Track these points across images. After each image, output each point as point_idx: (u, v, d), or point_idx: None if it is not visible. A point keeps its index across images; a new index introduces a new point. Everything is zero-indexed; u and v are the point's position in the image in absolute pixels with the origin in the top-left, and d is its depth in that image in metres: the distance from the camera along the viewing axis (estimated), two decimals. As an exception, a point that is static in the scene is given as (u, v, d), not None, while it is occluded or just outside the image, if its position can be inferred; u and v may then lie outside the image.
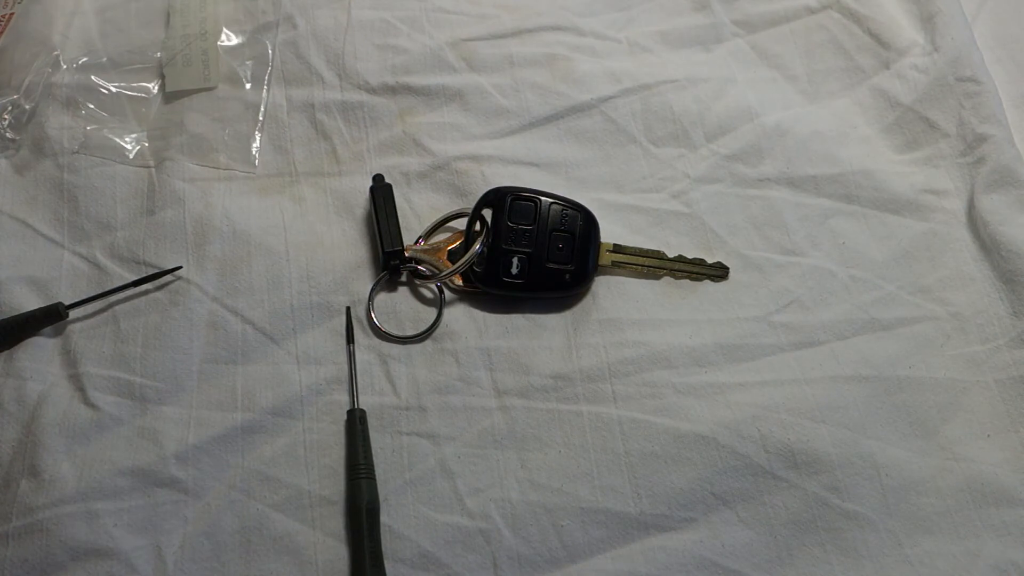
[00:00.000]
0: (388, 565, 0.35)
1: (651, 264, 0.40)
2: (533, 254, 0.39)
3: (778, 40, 0.48)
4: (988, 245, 0.41)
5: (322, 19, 0.48)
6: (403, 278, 0.41)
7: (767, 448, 0.36)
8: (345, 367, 0.39)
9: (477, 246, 0.40)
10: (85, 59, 0.47)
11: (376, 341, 0.39)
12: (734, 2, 0.49)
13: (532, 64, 0.42)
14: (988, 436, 0.37)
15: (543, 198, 0.40)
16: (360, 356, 0.39)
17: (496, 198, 0.40)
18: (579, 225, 0.40)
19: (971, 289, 0.40)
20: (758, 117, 0.45)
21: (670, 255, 0.40)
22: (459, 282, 0.40)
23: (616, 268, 0.40)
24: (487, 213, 0.41)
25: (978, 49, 0.45)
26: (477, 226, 0.41)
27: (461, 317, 0.40)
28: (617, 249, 0.40)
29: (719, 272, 0.39)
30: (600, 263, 0.40)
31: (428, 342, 0.39)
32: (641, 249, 0.40)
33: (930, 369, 0.38)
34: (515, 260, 0.39)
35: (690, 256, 0.41)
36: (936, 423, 0.37)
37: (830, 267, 0.41)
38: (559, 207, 0.40)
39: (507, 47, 0.41)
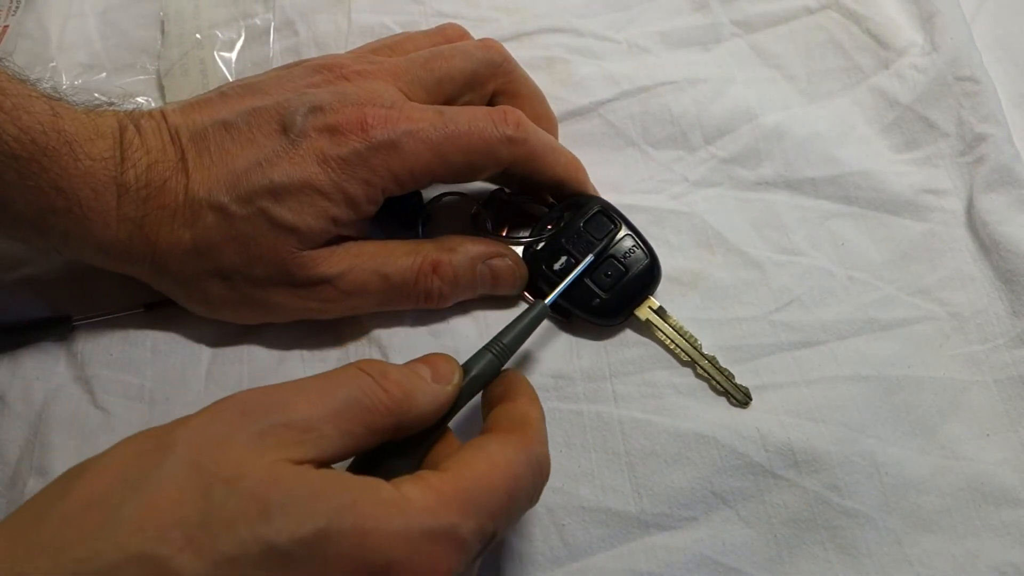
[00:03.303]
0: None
1: (682, 347, 0.38)
2: (581, 264, 0.39)
3: (777, 40, 0.48)
4: (987, 245, 0.41)
5: (323, 24, 0.48)
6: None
7: (767, 447, 0.36)
8: (346, 362, 0.38)
9: (543, 236, 0.40)
10: (84, 72, 0.47)
11: (376, 334, 0.39)
12: (733, 2, 0.49)
13: (531, 68, 0.42)
14: (988, 435, 0.37)
15: (624, 226, 0.40)
16: (359, 348, 0.39)
17: (585, 202, 0.40)
18: (638, 268, 0.39)
19: (970, 289, 0.40)
20: (757, 118, 0.45)
21: (701, 348, 0.39)
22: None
23: (648, 328, 0.39)
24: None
25: (977, 49, 0.45)
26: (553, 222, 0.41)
27: (462, 316, 0.40)
28: (660, 312, 0.39)
29: (740, 397, 0.37)
30: (636, 313, 0.39)
31: (429, 338, 0.39)
32: (682, 327, 0.39)
33: (929, 369, 0.39)
34: (563, 259, 0.39)
35: (693, 256, 0.41)
36: (936, 422, 0.37)
37: (829, 267, 0.41)
38: (631, 241, 0.40)
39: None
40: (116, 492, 0.25)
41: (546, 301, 0.35)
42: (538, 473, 0.30)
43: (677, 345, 0.39)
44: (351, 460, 0.30)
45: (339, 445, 0.27)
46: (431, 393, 0.30)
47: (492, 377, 0.33)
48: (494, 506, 0.28)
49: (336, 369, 0.29)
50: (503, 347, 0.33)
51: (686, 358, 0.38)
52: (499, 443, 0.29)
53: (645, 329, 0.39)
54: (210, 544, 0.24)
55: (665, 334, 0.39)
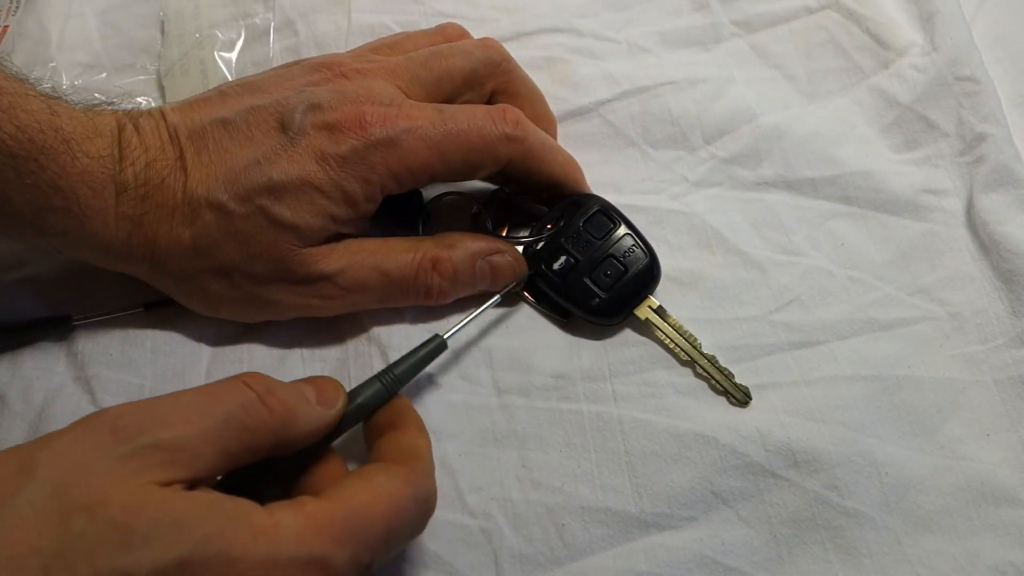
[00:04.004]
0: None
1: (681, 346, 0.38)
2: (581, 263, 0.39)
3: (777, 40, 0.48)
4: (987, 245, 0.41)
5: (323, 24, 0.48)
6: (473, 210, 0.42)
7: (767, 447, 0.36)
8: (345, 363, 0.39)
9: (543, 236, 0.40)
10: (84, 72, 0.47)
11: (376, 332, 0.39)
12: (733, 2, 0.49)
13: (531, 68, 0.42)
14: (987, 435, 0.37)
15: (623, 225, 0.40)
16: (359, 347, 0.39)
17: (584, 202, 0.40)
18: (638, 267, 0.39)
19: (970, 289, 0.40)
20: (757, 118, 0.45)
21: (700, 348, 0.39)
22: None
23: (647, 327, 0.39)
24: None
25: (977, 49, 0.45)
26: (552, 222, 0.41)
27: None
28: (660, 311, 0.39)
29: (740, 397, 0.37)
30: (636, 313, 0.39)
31: (428, 336, 0.39)
32: (681, 327, 0.39)
33: (929, 369, 0.38)
34: (562, 258, 0.39)
35: (693, 256, 0.41)
36: (935, 422, 0.37)
37: (829, 268, 0.41)
38: (631, 240, 0.40)
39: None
40: None
41: (445, 336, 0.35)
42: (423, 507, 0.30)
43: (677, 344, 0.39)
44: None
45: (213, 464, 0.27)
46: (313, 415, 0.30)
47: (377, 407, 0.33)
48: (372, 538, 0.27)
49: (220, 381, 0.29)
50: (393, 378, 0.33)
51: (686, 357, 0.38)
52: (385, 474, 0.29)
53: (645, 328, 0.39)
54: (68, 575, 0.23)
55: (665, 333, 0.39)
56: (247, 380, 0.28)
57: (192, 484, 0.26)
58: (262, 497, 0.27)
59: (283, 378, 0.38)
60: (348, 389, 0.33)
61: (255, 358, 0.39)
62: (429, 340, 0.35)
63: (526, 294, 0.40)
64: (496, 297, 0.38)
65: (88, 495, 0.24)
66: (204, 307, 0.38)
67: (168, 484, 0.25)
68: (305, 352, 0.39)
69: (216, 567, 0.24)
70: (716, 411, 0.37)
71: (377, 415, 0.33)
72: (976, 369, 0.39)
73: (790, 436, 0.36)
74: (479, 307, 0.37)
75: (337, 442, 0.33)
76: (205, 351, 0.39)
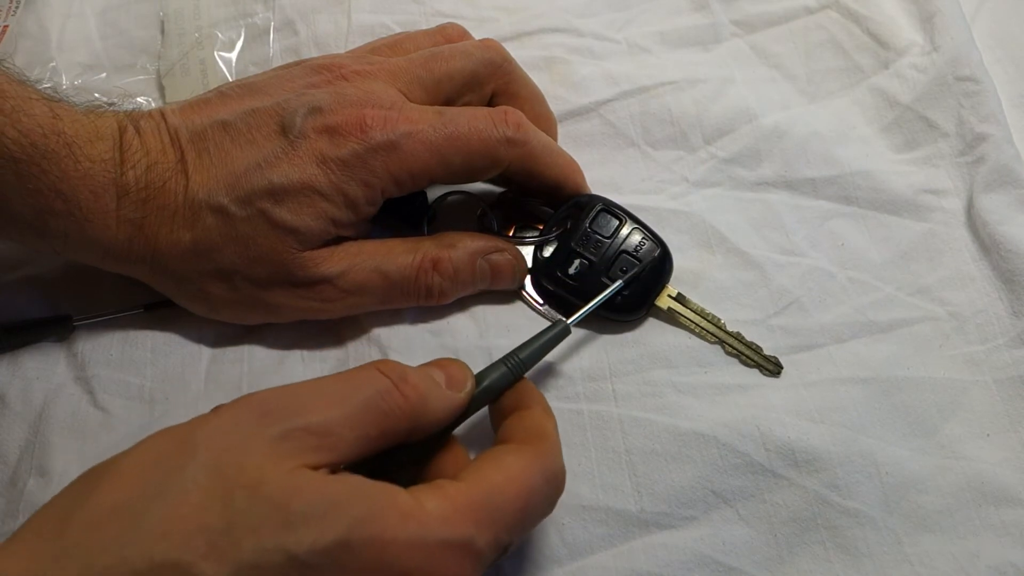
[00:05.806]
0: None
1: (707, 328, 0.39)
2: (596, 264, 0.39)
3: (777, 40, 0.48)
4: (987, 245, 0.41)
5: (323, 24, 0.48)
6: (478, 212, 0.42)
7: (767, 446, 0.36)
8: (345, 364, 0.39)
9: (550, 236, 0.40)
10: (84, 72, 0.47)
11: (376, 333, 0.39)
12: (733, 2, 0.49)
13: (531, 68, 0.42)
14: (988, 435, 0.37)
15: (629, 220, 0.40)
16: (359, 347, 0.39)
17: (587, 202, 0.40)
18: (652, 259, 0.39)
19: (970, 289, 0.40)
20: (757, 118, 0.45)
21: (726, 327, 0.39)
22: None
23: (671, 316, 0.39)
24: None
25: (977, 49, 0.45)
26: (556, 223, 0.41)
27: (462, 315, 0.40)
28: (679, 298, 0.40)
29: (771, 367, 0.38)
30: (657, 304, 0.39)
31: (429, 337, 0.39)
32: (703, 310, 0.39)
33: (929, 369, 0.38)
34: (577, 262, 0.39)
35: (693, 256, 0.41)
36: (936, 422, 0.37)
37: (829, 268, 0.41)
38: (640, 234, 0.40)
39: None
40: (140, 497, 0.25)
41: (568, 321, 0.36)
42: (553, 486, 0.30)
43: (702, 328, 0.39)
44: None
45: (354, 449, 0.27)
46: (445, 399, 0.30)
47: (504, 390, 0.33)
48: (509, 518, 0.28)
49: (354, 369, 0.30)
50: (518, 362, 0.34)
51: (713, 339, 0.39)
52: (515, 455, 0.30)
53: (668, 317, 0.40)
54: (232, 551, 0.24)
55: (689, 319, 0.39)
56: (381, 368, 0.29)
57: (334, 469, 0.27)
58: (394, 479, 0.28)
59: (283, 380, 0.38)
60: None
61: (255, 359, 0.39)
62: (553, 325, 0.35)
63: (525, 295, 0.40)
64: (619, 283, 0.38)
65: (247, 475, 0.25)
66: (204, 309, 0.38)
67: (316, 468, 0.26)
68: (305, 353, 0.39)
69: (371, 548, 0.25)
70: (716, 411, 0.37)
71: (503, 398, 0.33)
72: (976, 369, 0.39)
73: (790, 435, 0.36)
74: (595, 297, 0.37)
75: (459, 430, 0.33)
76: (205, 352, 0.39)
